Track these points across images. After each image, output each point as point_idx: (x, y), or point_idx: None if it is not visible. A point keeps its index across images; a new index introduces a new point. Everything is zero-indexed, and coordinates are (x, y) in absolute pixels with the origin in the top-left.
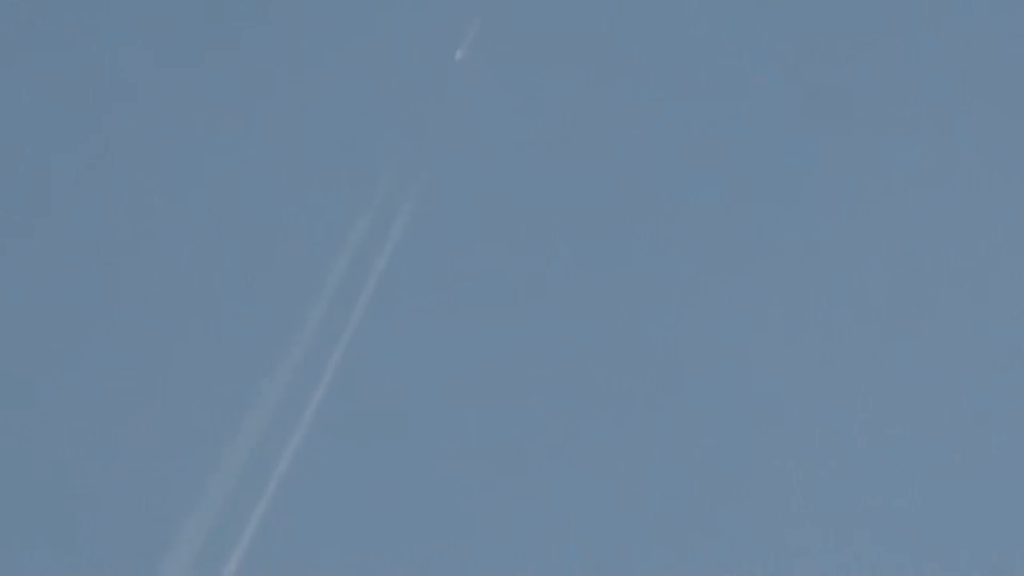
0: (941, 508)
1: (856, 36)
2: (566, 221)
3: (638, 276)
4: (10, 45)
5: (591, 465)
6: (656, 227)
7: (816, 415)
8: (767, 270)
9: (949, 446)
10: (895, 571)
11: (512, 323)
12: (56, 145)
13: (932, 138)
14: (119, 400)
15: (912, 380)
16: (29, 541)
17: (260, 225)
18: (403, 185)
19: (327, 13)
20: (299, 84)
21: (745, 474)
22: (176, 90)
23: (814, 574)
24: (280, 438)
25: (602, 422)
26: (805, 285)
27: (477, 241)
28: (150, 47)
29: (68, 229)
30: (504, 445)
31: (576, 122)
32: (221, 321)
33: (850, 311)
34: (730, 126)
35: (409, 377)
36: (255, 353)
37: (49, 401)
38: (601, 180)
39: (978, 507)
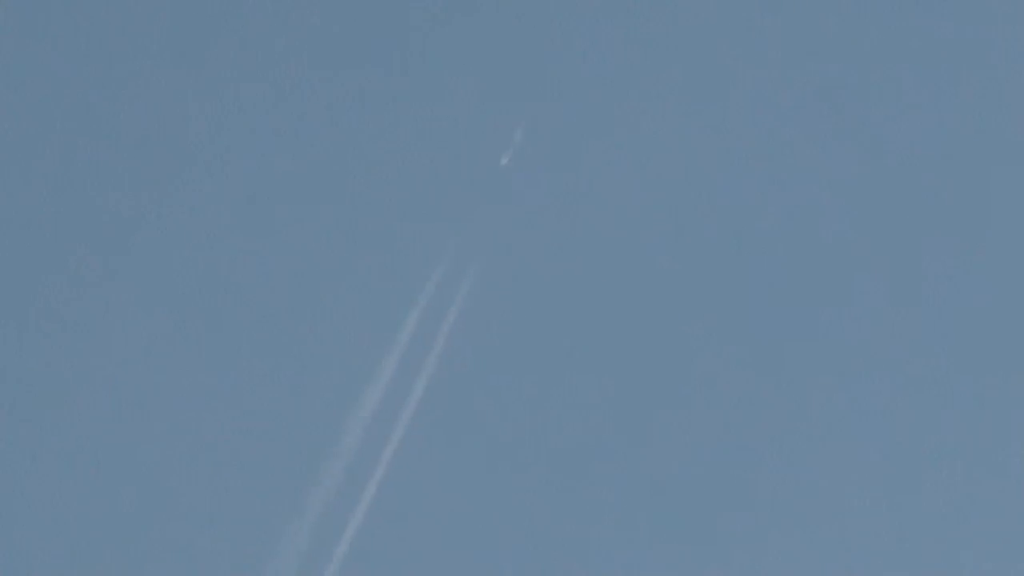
0: None
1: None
2: (606, 323)
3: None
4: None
5: None
6: (702, 339)
7: None
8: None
9: None
10: None
11: (556, 426)
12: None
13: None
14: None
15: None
16: (140, 542)
17: (313, 318)
18: (452, 286)
19: (380, 121)
20: (355, 188)
21: None
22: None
23: None
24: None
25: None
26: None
27: (517, 345)
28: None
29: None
30: None
31: (620, 226)
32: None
33: None
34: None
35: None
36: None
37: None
38: (642, 287)
39: None
